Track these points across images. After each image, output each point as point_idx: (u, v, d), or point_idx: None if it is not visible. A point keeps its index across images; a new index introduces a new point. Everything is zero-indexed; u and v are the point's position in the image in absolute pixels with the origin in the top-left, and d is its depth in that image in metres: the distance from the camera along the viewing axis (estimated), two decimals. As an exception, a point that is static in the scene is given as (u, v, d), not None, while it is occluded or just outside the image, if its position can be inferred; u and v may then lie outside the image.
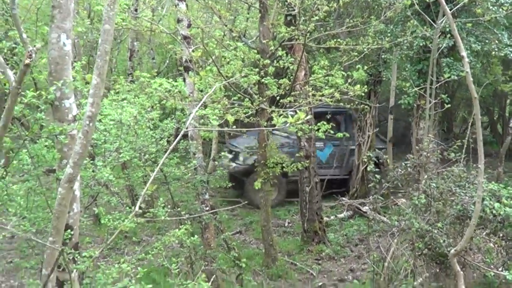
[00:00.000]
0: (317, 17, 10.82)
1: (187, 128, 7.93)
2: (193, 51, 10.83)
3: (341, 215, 15.75)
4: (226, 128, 9.03)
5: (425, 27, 13.11)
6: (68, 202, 5.37)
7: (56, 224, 5.32)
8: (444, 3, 7.02)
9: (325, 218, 14.47)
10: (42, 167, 6.82)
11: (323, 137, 11.23)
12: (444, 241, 8.17)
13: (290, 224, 15.53)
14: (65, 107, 6.25)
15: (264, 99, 10.87)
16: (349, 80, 10.69)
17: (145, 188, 5.67)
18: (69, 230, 6.09)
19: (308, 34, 10.78)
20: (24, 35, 4.53)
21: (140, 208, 5.61)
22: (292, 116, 5.67)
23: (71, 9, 6.41)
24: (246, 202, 13.88)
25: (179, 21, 11.74)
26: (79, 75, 6.80)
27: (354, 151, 17.34)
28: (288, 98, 10.80)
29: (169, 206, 7.80)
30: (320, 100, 10.84)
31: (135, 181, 9.74)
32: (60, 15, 6.25)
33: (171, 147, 5.86)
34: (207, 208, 11.06)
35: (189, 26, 11.46)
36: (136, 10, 15.53)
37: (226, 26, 11.66)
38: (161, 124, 9.79)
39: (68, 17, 6.31)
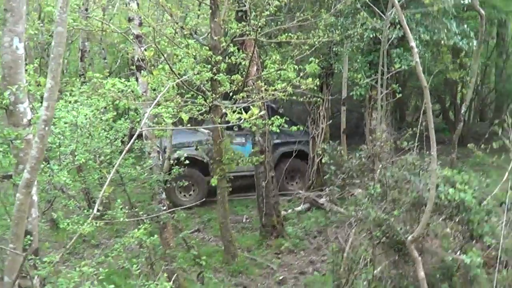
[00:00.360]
0: (268, 12, 10.88)
1: (141, 128, 7.90)
2: (145, 50, 10.77)
3: (299, 208, 15.82)
4: (179, 127, 9.02)
5: (374, 18, 13.29)
6: (27, 208, 5.32)
7: (16, 230, 5.27)
8: (393, -6, 7.13)
9: (283, 212, 14.57)
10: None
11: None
12: (401, 228, 8.28)
13: (248, 220, 15.55)
14: (19, 111, 6.18)
15: (217, 96, 10.89)
16: (302, 74, 10.75)
17: (102, 190, 5.64)
18: (28, 236, 6.02)
19: (259, 29, 10.83)
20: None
21: (98, 210, 5.59)
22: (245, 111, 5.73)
23: (23, 12, 6.33)
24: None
25: (130, 20, 11.64)
26: (33, 79, 6.73)
27: (278, 145, 17.20)
28: (241, 94, 10.83)
29: (126, 208, 7.78)
30: (273, 95, 10.91)
31: (91, 184, 9.64)
32: (12, 18, 6.17)
33: (126, 148, 5.83)
34: (164, 208, 11.01)
35: (140, 24, 11.37)
36: (86, 9, 15.33)
37: (177, 24, 11.63)
38: (115, 125, 9.71)
39: (21, 20, 6.23)
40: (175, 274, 9.57)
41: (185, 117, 6.77)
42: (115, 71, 20.35)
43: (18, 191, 5.22)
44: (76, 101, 8.35)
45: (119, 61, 20.46)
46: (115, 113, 9.78)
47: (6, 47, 6.10)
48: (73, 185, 8.19)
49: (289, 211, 15.66)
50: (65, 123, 7.84)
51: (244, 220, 15.53)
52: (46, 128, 5.08)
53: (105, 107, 9.10)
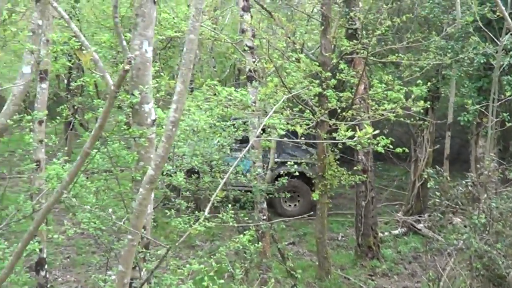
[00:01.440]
0: (379, 32, 10.91)
1: (259, 137, 8.09)
2: (257, 61, 11.02)
3: (395, 232, 15.63)
4: (290, 139, 9.15)
5: (486, 43, 13.04)
6: (148, 203, 5.58)
7: (135, 223, 5.52)
8: (510, 19, 7.04)
9: (379, 234, 14.45)
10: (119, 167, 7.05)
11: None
12: (503, 262, 8.13)
13: (343, 238, 15.51)
14: (144, 111, 6.48)
15: (325, 112, 10.98)
16: (411, 96, 10.69)
17: (215, 194, 5.86)
18: (142, 230, 6.28)
19: (370, 48, 10.87)
20: (124, 43, 4.74)
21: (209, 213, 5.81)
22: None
23: (153, 18, 6.65)
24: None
25: (243, 31, 11.94)
26: (164, 81, 7.03)
27: (279, 162, 16.17)
28: (350, 112, 10.87)
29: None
30: (382, 115, 10.89)
31: (203, 186, 9.89)
32: (143, 23, 6.49)
33: (241, 155, 6.04)
34: (264, 217, 11.20)
35: (253, 36, 11.65)
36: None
37: (289, 38, 11.82)
38: (225, 132, 9.95)
39: (151, 25, 6.55)
40: (269, 284, 9.68)
41: (299, 130, 6.93)
42: (223, 80, 20.77)
43: (141, 186, 5.46)
44: (197, 106, 8.62)
45: (227, 70, 20.88)
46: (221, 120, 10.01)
47: (135, 49, 6.42)
48: (186, 186, 8.46)
49: (386, 233, 15.49)
50: (187, 126, 8.11)
51: (339, 238, 15.50)
52: (173, 129, 5.31)
53: (221, 115, 9.33)
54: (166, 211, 7.52)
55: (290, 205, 17.00)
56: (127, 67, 3.97)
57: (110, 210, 6.89)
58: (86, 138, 6.67)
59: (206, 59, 21.04)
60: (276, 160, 15.90)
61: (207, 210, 6.45)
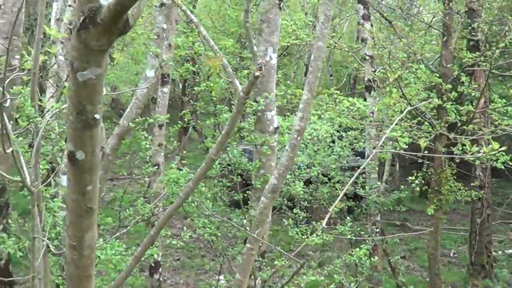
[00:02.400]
0: (503, 44, 10.51)
1: (380, 149, 7.93)
2: (377, 71, 10.84)
3: (510, 251, 15.05)
4: (410, 152, 8.91)
5: None
6: (269, 212, 5.52)
7: (255, 231, 5.48)
8: None
9: (493, 253, 13.91)
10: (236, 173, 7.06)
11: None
12: None
13: (455, 255, 15.06)
14: (267, 118, 6.47)
15: (446, 125, 10.65)
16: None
17: (333, 206, 5.74)
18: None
19: (493, 60, 10.47)
20: (255, 48, 4.71)
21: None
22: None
23: (279, 24, 6.62)
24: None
25: (363, 40, 11.80)
26: (290, 89, 6.99)
27: None
28: (471, 126, 10.50)
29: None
30: (504, 130, 10.45)
31: (320, 197, 9.78)
32: (268, 29, 6.47)
33: (362, 166, 5.89)
34: (377, 230, 10.98)
35: (374, 45, 11.49)
36: (314, 27, 15.72)
37: (410, 48, 11.55)
38: (341, 142, 9.80)
39: (276, 31, 6.53)
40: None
41: (423, 144, 6.71)
42: (339, 89, 20.54)
43: (263, 195, 5.42)
44: (319, 116, 8.53)
45: (344, 79, 20.70)
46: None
47: (260, 56, 6.40)
48: (303, 196, 8.38)
49: (499, 252, 14.91)
50: (308, 135, 8.05)
51: (451, 255, 15.05)
52: (299, 138, 5.25)
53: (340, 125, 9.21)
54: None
55: None
56: (257, 73, 3.91)
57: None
58: (208, 144, 6.73)
59: (323, 67, 20.93)
60: None
61: (324, 221, 6.34)
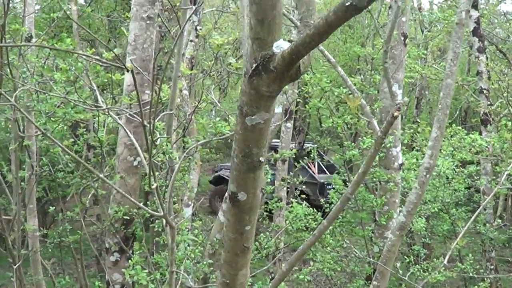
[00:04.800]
0: None
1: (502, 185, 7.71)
2: (495, 105, 10.59)
3: None
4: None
5: None
6: (397, 249, 5.45)
7: (382, 269, 5.43)
8: None
9: None
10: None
11: None
12: None
13: None
14: (392, 155, 6.43)
15: None
16: None
17: (455, 242, 5.62)
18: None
19: None
20: (393, 88, 4.71)
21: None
22: None
23: (403, 60, 6.59)
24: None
25: (478, 73, 11.57)
26: (420, 128, 6.94)
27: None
28: None
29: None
30: None
31: (440, 233, 9.59)
32: (393, 66, 6.45)
33: (484, 203, 5.73)
34: (492, 267, 10.63)
35: (489, 78, 11.26)
36: (425, 60, 15.56)
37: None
38: (459, 177, 9.58)
39: (401, 68, 6.50)
40: None
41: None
42: (451, 122, 20.14)
43: (391, 232, 5.38)
44: (452, 152, 8.37)
45: (457, 112, 20.21)
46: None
47: (385, 92, 6.39)
48: (424, 233, 8.25)
49: None
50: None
51: None
52: (428, 176, 5.18)
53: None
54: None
55: None
56: (396, 113, 3.90)
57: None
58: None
59: (436, 100, 20.58)
60: None
61: (446, 258, 6.22)
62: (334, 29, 2.03)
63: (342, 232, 7.63)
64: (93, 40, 14.02)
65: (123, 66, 3.12)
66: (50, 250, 11.31)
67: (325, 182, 15.45)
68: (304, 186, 9.50)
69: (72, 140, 7.14)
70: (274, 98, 2.36)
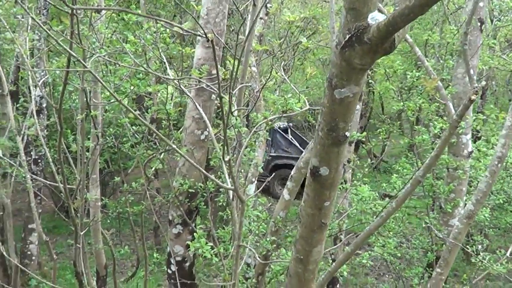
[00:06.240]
0: None
1: None
2: None
3: None
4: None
5: None
6: (463, 237, 5.36)
7: (447, 257, 5.34)
8: None
9: None
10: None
11: None
12: None
13: None
14: (461, 142, 6.29)
15: None
16: None
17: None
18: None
19: None
20: (471, 72, 4.59)
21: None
22: None
23: (479, 46, 6.42)
24: None
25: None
26: (493, 113, 6.77)
27: (274, 158, 18.83)
28: None
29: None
30: None
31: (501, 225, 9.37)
32: (468, 51, 6.29)
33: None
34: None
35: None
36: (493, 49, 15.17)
37: None
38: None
39: (476, 54, 6.34)
40: None
41: None
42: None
43: (458, 220, 5.28)
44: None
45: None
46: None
47: (458, 78, 6.25)
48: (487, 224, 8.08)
49: None
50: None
51: None
52: (499, 165, 5.06)
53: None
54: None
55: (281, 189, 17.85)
56: (473, 97, 3.80)
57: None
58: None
59: (502, 91, 20.17)
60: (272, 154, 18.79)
61: (509, 250, 6.10)
62: (436, 1, 1.96)
63: (403, 218, 7.54)
64: (158, 15, 14.10)
65: (205, 36, 3.10)
66: (108, 221, 11.51)
67: None
68: None
69: (138, 112, 7.20)
70: (365, 71, 2.30)
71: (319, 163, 2.52)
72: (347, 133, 2.43)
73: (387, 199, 7.42)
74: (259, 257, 4.63)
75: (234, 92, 3.74)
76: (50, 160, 6.83)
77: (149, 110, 6.96)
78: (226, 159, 3.69)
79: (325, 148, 2.47)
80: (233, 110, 4.13)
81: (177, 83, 4.61)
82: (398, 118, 18.11)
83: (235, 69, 3.32)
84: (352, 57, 2.21)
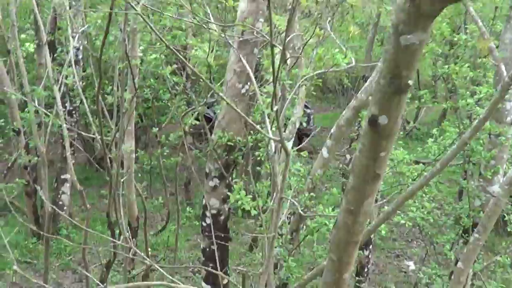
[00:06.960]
0: None
1: None
2: None
3: None
4: None
5: None
6: (503, 204, 5.30)
7: (486, 223, 5.30)
8: None
9: None
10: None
11: None
12: None
13: None
14: (505, 109, 6.20)
15: None
16: None
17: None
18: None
19: None
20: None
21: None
22: None
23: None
24: None
25: None
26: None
27: None
28: None
29: None
30: None
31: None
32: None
33: None
34: None
35: None
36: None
37: None
38: None
39: None
40: None
41: None
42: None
43: (499, 186, 5.22)
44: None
45: None
46: None
47: (506, 43, 6.11)
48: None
49: None
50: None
51: None
52: (545, 132, 5.00)
53: None
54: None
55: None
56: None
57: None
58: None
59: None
60: None
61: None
62: None
63: (437, 183, 7.46)
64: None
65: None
66: (139, 175, 11.58)
67: None
68: None
69: (175, 66, 7.20)
70: (434, 18, 2.24)
71: (379, 112, 2.47)
72: (410, 82, 2.37)
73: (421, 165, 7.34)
74: (300, 211, 4.61)
75: (286, 40, 3.67)
76: (87, 110, 6.85)
77: (191, 61, 6.91)
78: (275, 108, 3.67)
79: (386, 96, 2.42)
80: (288, 56, 4.08)
81: (222, 34, 4.58)
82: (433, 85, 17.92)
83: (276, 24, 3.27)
84: (423, 2, 2.15)
